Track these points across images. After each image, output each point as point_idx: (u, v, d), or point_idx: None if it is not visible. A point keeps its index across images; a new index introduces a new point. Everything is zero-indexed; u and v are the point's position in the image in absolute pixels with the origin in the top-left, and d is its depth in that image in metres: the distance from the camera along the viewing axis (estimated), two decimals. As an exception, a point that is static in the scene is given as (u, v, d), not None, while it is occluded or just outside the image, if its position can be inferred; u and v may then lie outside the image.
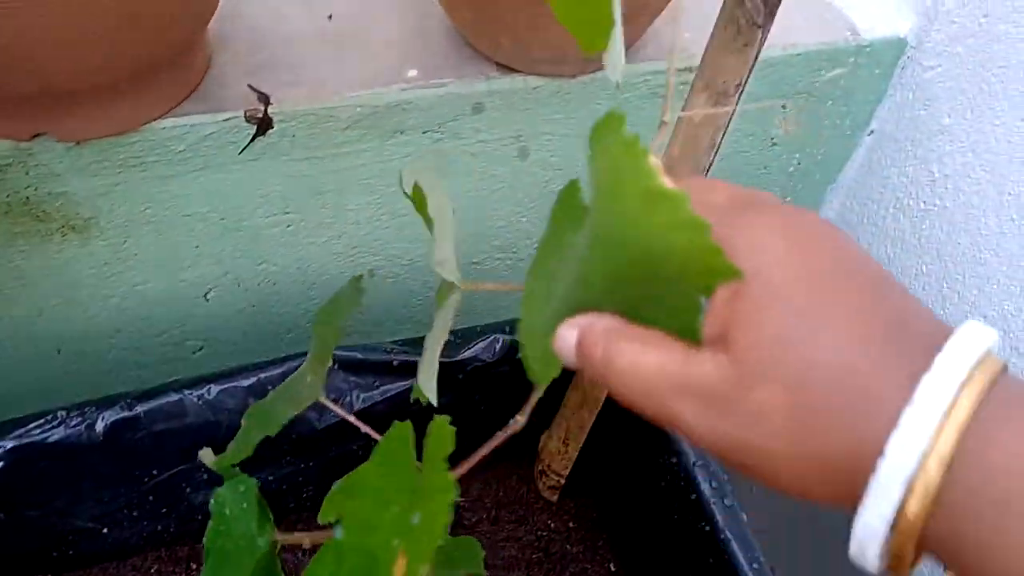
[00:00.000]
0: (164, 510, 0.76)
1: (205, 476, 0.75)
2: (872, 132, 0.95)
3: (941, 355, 0.25)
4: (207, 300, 0.87)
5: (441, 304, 0.50)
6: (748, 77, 0.51)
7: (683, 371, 0.29)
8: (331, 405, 0.52)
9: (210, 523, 0.47)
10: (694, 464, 0.71)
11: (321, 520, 0.44)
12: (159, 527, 0.78)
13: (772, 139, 0.94)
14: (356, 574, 0.39)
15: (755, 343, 0.27)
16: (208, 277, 0.84)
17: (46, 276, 0.77)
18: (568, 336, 0.33)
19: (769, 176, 0.98)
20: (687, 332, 0.30)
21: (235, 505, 0.47)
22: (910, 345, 0.26)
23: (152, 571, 0.81)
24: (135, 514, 0.75)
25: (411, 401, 0.51)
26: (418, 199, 0.48)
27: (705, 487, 0.69)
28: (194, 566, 0.82)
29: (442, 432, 0.38)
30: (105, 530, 0.76)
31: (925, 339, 0.26)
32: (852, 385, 0.26)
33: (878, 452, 0.25)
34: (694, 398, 0.29)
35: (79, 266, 0.78)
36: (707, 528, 0.68)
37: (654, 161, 0.30)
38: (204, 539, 0.47)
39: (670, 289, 0.30)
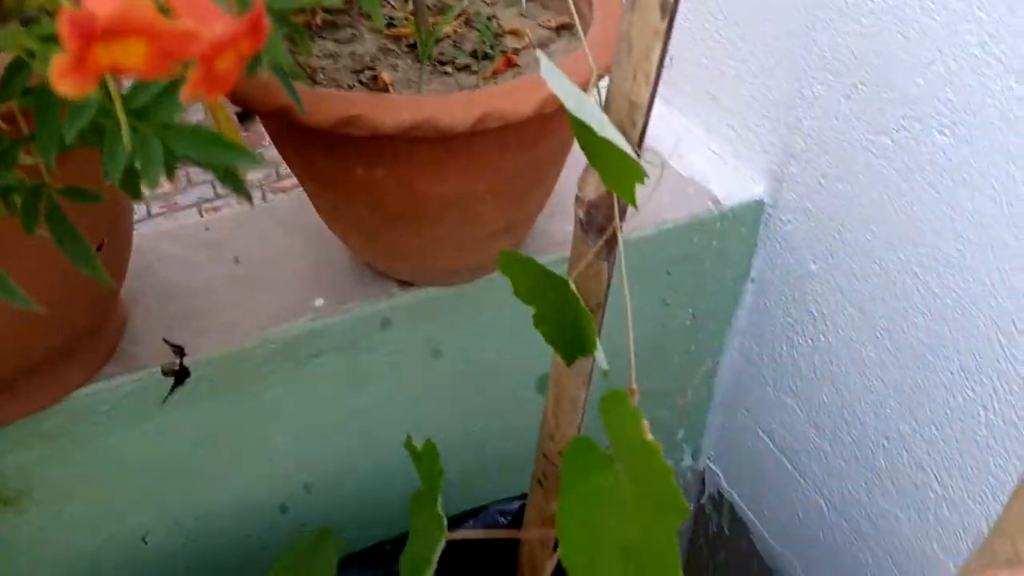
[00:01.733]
0: None
1: None
2: (753, 280, 1.03)
3: None
4: (146, 543, 0.88)
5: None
6: (607, 293, 0.57)
7: None
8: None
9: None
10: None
11: None
12: None
13: (664, 300, 1.01)
14: None
15: None
16: (144, 523, 0.86)
17: (-19, 552, 0.78)
18: None
19: (669, 332, 1.05)
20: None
21: None
22: None
23: None
24: None
25: None
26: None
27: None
28: None
29: None
30: None
31: None
32: None
33: None
34: None
35: (14, 535, 0.79)
36: None
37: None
38: None
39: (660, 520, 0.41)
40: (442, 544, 0.53)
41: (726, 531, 1.29)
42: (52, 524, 0.80)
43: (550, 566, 0.78)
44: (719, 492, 1.27)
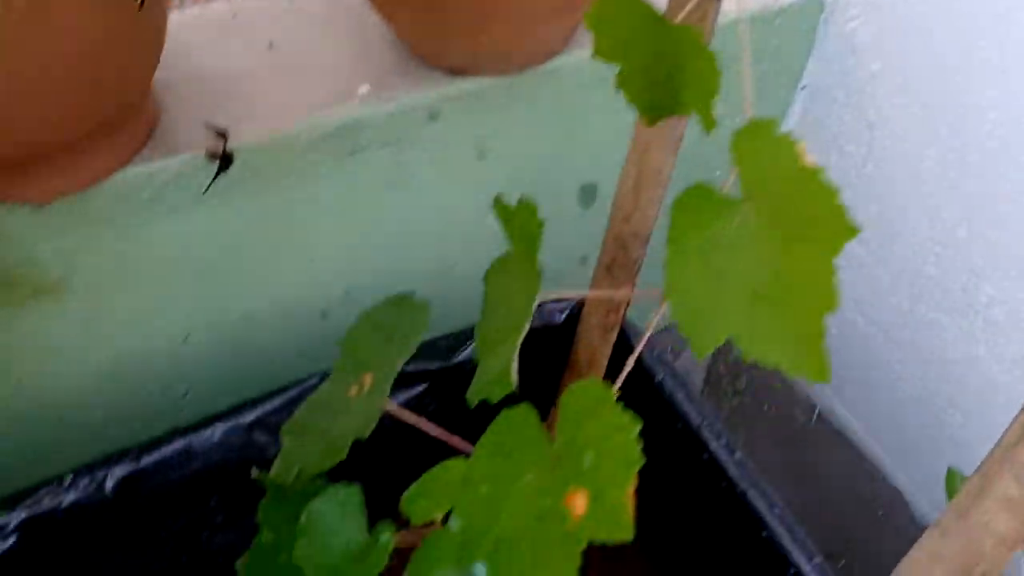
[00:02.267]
0: (185, 559, 0.75)
1: (221, 519, 0.74)
2: (804, 87, 0.99)
3: None
4: (187, 344, 0.86)
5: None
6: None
7: None
8: (406, 414, 0.52)
9: (299, 541, 0.47)
10: (699, 425, 0.73)
11: (421, 519, 0.45)
12: (179, 577, 0.77)
13: (713, 107, 0.97)
14: (483, 553, 0.41)
15: None
16: (185, 322, 0.84)
17: (21, 345, 0.76)
18: None
19: (713, 140, 1.01)
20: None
21: (335, 515, 0.48)
22: None
23: (175, 625, 0.80)
24: (156, 568, 0.74)
25: (469, 405, 0.52)
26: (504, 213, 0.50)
27: (715, 445, 0.72)
28: (217, 613, 0.81)
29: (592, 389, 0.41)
30: (124, 592, 0.75)
31: None
32: None
33: None
34: None
35: (54, 329, 0.76)
36: (724, 484, 0.71)
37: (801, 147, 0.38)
38: (296, 556, 0.47)
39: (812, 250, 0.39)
40: (537, 298, 0.50)
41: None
42: (92, 319, 0.77)
43: (606, 354, 0.77)
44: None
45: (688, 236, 0.46)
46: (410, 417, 0.53)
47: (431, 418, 0.81)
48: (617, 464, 0.40)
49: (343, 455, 0.49)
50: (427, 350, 0.79)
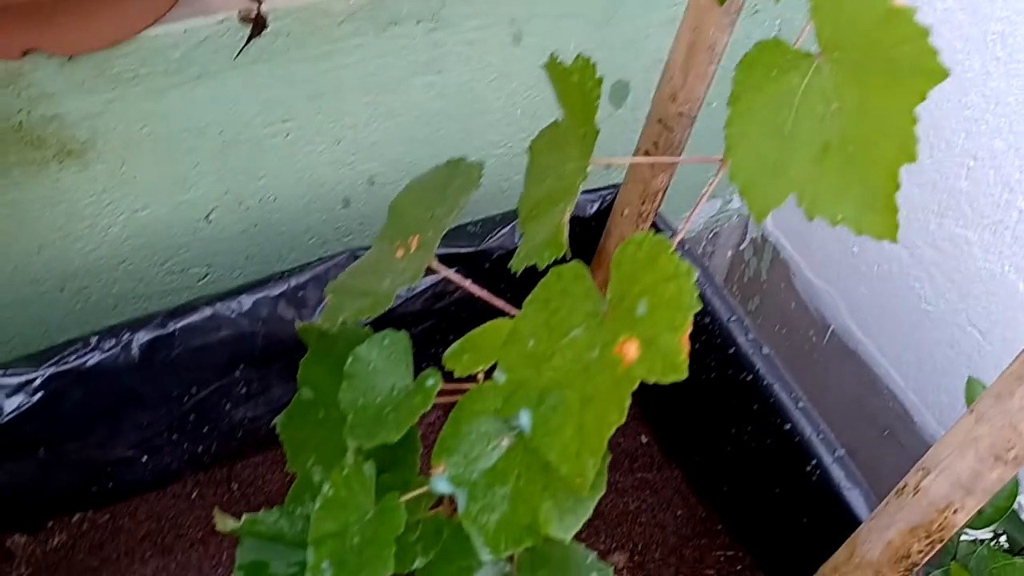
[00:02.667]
0: (205, 429, 0.75)
1: (244, 391, 0.74)
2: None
3: None
4: (209, 222, 0.84)
5: None
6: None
7: None
8: (449, 272, 0.52)
9: (344, 384, 0.47)
10: (728, 320, 0.73)
11: (464, 371, 0.45)
12: (199, 449, 0.77)
13: (755, 7, 0.94)
14: (529, 402, 0.41)
15: None
16: (209, 197, 0.82)
17: (45, 208, 0.75)
18: None
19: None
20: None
21: (381, 359, 0.47)
22: None
23: (193, 496, 0.81)
24: (175, 437, 0.74)
25: (511, 272, 0.51)
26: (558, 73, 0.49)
27: (742, 339, 0.72)
28: (234, 486, 0.82)
29: (649, 240, 0.41)
30: (144, 457, 0.75)
31: None
32: None
33: None
34: None
35: (78, 195, 0.75)
36: (749, 377, 0.71)
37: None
38: (340, 400, 0.47)
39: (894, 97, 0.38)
40: (587, 169, 0.49)
41: (764, 275, 1.29)
42: (117, 186, 0.76)
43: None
44: (763, 236, 1.26)
45: (754, 94, 0.45)
46: (454, 276, 0.53)
47: (460, 301, 0.81)
48: (673, 309, 0.40)
49: (390, 302, 0.48)
50: (456, 235, 0.78)
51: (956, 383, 1.02)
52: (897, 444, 1.11)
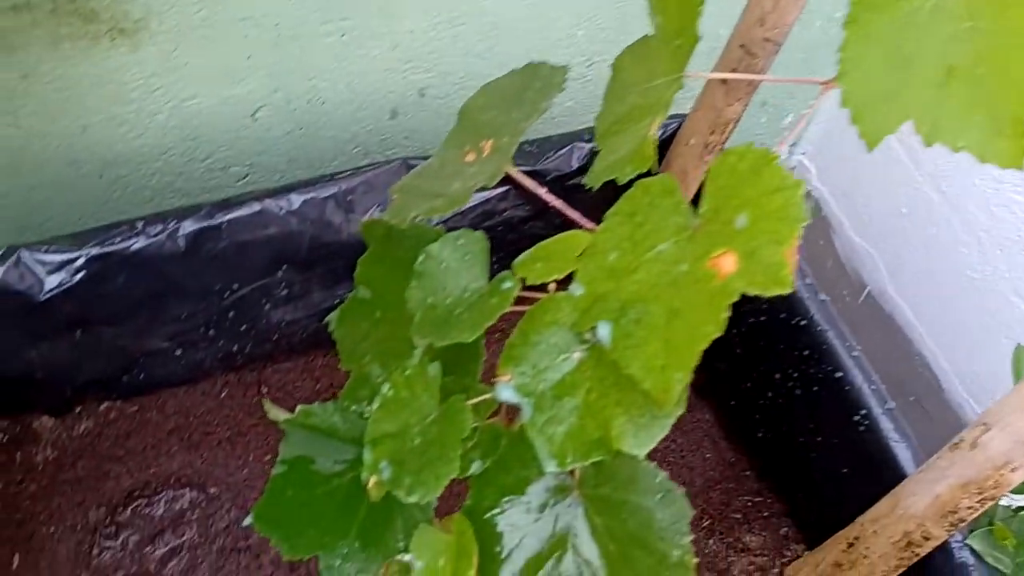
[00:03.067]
0: (242, 328, 0.74)
1: (285, 292, 0.73)
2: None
3: None
4: (255, 120, 0.82)
5: None
6: None
7: None
8: (526, 180, 0.49)
9: (413, 282, 0.45)
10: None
11: (536, 280, 0.44)
12: (233, 348, 0.76)
13: None
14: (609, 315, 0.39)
15: None
16: (258, 94, 0.80)
17: (92, 87, 0.72)
18: None
19: None
20: None
21: (455, 259, 0.46)
22: None
23: (222, 396, 0.80)
24: (211, 333, 0.73)
25: (585, 188, 0.49)
26: None
27: (799, 282, 0.70)
28: (264, 390, 0.81)
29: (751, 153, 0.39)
30: (178, 351, 0.74)
31: None
32: None
33: None
34: None
35: (126, 76, 0.73)
36: (802, 323, 0.69)
37: None
38: (408, 297, 0.45)
39: None
40: (682, 80, 0.47)
41: (802, 230, 1.26)
42: (166, 71, 0.73)
43: (698, 179, 0.75)
44: (807, 190, 1.23)
45: (874, 15, 0.43)
46: (529, 183, 0.51)
47: (508, 222, 0.79)
48: (778, 222, 0.38)
49: (466, 201, 0.46)
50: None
51: (991, 354, 1.01)
52: (922, 411, 1.10)
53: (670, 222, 0.43)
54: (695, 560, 0.42)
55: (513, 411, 0.53)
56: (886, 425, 0.65)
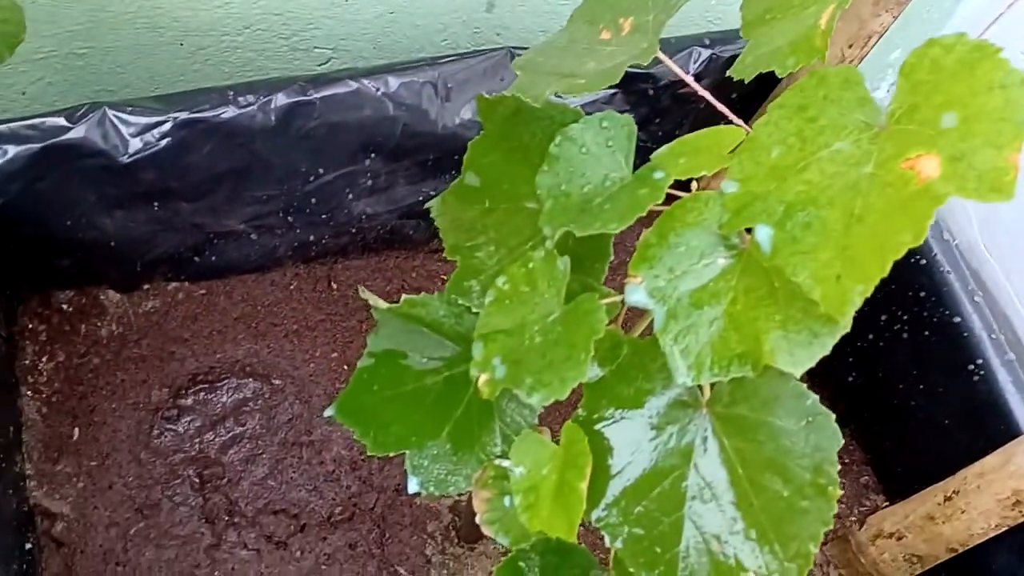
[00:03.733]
0: (323, 216, 0.70)
1: (370, 182, 0.69)
2: None
3: None
4: (346, 4, 0.77)
5: None
6: None
7: None
8: (671, 63, 0.45)
9: (545, 167, 0.41)
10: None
11: (682, 174, 0.39)
12: (309, 237, 0.72)
13: None
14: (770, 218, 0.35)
15: None
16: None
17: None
18: None
19: None
20: None
21: (596, 143, 0.41)
22: None
23: (291, 287, 0.77)
24: (290, 219, 0.70)
25: (731, 79, 0.44)
26: None
27: (924, 218, 0.65)
28: (334, 286, 0.78)
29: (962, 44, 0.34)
30: (254, 235, 0.70)
31: None
32: None
33: None
34: None
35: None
36: (922, 261, 0.64)
37: None
38: (539, 183, 0.41)
39: None
40: None
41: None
42: (261, -66, 0.69)
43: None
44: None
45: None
46: (677, 69, 0.46)
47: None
48: (997, 122, 0.33)
49: (616, 78, 0.42)
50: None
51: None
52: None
53: (851, 118, 0.38)
54: (840, 492, 0.39)
55: (633, 318, 0.50)
56: (1004, 377, 0.61)
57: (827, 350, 0.38)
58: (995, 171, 0.33)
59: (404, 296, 0.47)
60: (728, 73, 0.48)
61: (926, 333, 0.65)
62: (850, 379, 0.75)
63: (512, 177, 0.48)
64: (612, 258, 0.45)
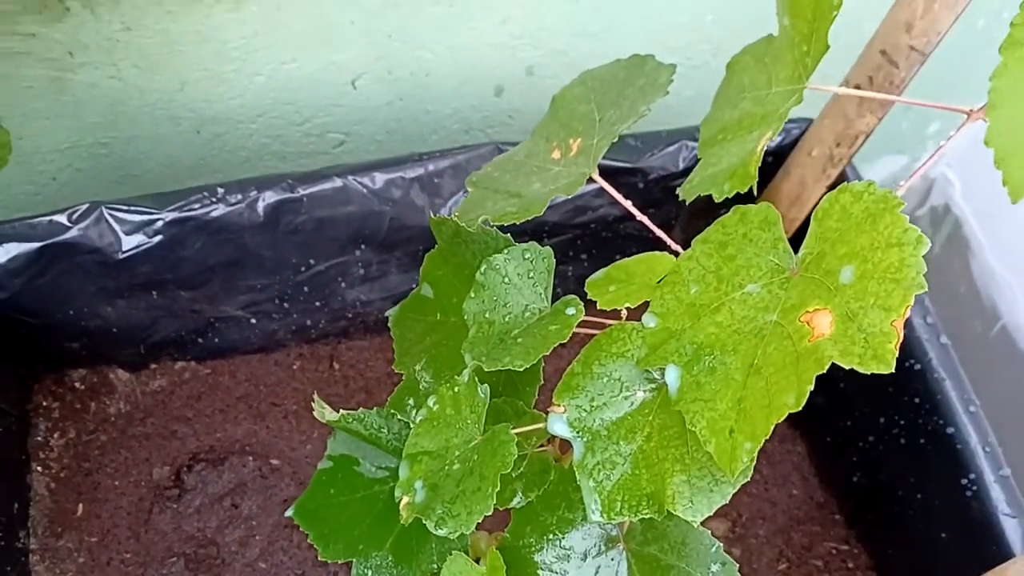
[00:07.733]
0: (317, 303, 0.72)
1: (362, 272, 0.70)
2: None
3: None
4: (355, 88, 0.79)
5: None
6: None
7: None
8: (611, 189, 0.45)
9: (472, 293, 0.42)
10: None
11: (608, 305, 0.39)
12: (308, 322, 0.74)
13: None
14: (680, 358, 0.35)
15: None
16: (359, 61, 0.77)
17: (193, 43, 0.71)
18: None
19: None
20: None
21: (518, 274, 0.42)
22: None
23: (294, 367, 0.79)
24: (286, 305, 0.72)
25: (677, 199, 0.44)
26: None
27: (918, 320, 0.62)
28: (336, 366, 0.79)
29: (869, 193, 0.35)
30: (253, 320, 0.73)
31: None
32: None
33: None
34: None
35: (228, 35, 0.71)
36: (916, 367, 0.62)
37: None
38: (466, 309, 0.42)
39: None
40: (803, 93, 0.41)
41: (936, 248, 1.16)
42: (268, 31, 0.72)
43: (816, 195, 0.68)
44: (946, 204, 1.12)
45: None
46: (617, 195, 0.46)
47: (604, 220, 0.74)
48: (889, 284, 0.32)
49: (541, 210, 0.42)
50: (612, 146, 0.70)
51: None
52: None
53: (764, 261, 0.38)
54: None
55: (567, 443, 0.49)
56: (997, 495, 0.58)
57: (726, 499, 0.36)
58: (880, 336, 0.32)
59: (342, 411, 0.48)
60: (676, 191, 0.48)
61: (921, 441, 0.62)
62: (855, 479, 0.72)
63: (460, 292, 0.48)
64: (541, 382, 0.45)
